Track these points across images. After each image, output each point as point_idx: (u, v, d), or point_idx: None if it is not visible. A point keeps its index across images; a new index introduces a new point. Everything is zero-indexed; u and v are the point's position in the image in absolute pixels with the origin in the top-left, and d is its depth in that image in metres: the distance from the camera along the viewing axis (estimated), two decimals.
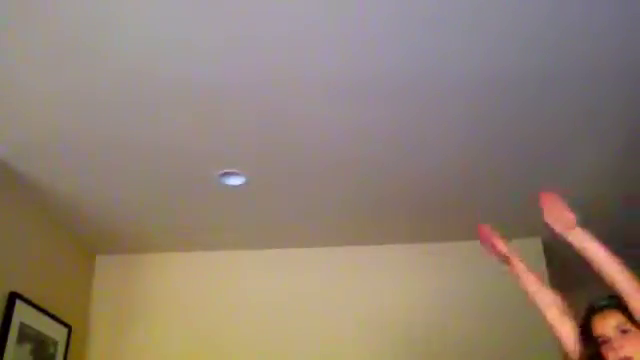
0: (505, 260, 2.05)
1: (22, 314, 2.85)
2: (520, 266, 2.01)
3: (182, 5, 1.90)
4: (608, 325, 1.71)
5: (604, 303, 1.76)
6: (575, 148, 2.76)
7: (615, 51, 2.15)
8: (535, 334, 3.37)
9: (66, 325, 3.26)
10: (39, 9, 1.90)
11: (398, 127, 2.58)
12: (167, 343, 3.54)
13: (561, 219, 1.76)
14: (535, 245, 3.66)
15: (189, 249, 3.76)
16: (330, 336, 3.51)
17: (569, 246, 1.76)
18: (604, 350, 1.71)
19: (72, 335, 3.31)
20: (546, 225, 1.78)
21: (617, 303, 1.74)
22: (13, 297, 2.79)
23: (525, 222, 3.50)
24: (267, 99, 2.38)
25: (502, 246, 2.05)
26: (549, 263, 3.61)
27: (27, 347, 2.89)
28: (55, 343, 3.15)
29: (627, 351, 1.65)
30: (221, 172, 2.90)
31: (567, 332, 1.85)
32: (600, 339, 1.72)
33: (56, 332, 3.16)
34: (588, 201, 3.26)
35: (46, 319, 3.07)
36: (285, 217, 3.39)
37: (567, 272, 3.76)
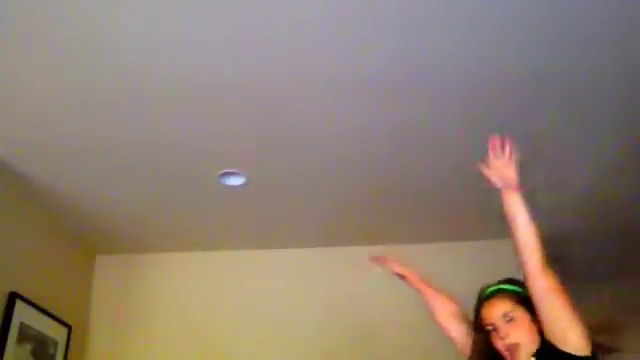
0: (400, 277, 2.26)
1: (22, 314, 2.85)
2: (415, 279, 2.24)
3: (182, 4, 1.90)
4: (495, 314, 1.73)
5: (491, 290, 1.80)
6: (574, 148, 2.76)
7: (614, 51, 2.15)
8: None
9: (66, 325, 3.26)
10: (39, 9, 1.90)
11: (398, 126, 2.58)
12: (167, 343, 3.54)
13: (504, 175, 1.72)
14: None
15: (189, 249, 3.76)
16: (331, 335, 3.50)
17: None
18: (493, 339, 1.73)
19: (72, 335, 3.31)
20: (483, 174, 1.73)
21: (504, 289, 1.78)
22: (13, 297, 2.79)
23: None
24: (267, 99, 2.38)
25: (396, 266, 2.26)
26: (548, 263, 3.61)
27: (27, 347, 2.90)
28: (55, 343, 3.15)
29: (513, 338, 1.68)
30: (221, 172, 2.90)
31: (454, 330, 1.99)
32: (488, 327, 1.74)
33: (56, 332, 3.16)
34: (587, 201, 3.27)
35: (46, 319, 3.07)
36: (285, 217, 3.39)
37: (567, 272, 3.75)
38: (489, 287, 1.83)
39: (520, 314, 1.70)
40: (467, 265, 3.62)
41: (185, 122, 2.51)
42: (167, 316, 3.62)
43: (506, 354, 1.69)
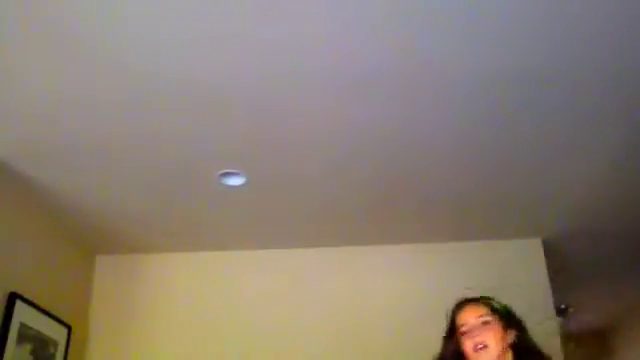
0: None
1: (22, 314, 2.84)
2: None
3: (182, 4, 1.90)
4: (470, 315, 1.79)
5: (470, 298, 1.86)
6: (574, 148, 2.76)
7: (614, 51, 2.15)
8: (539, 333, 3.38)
9: (66, 325, 3.26)
10: (39, 9, 1.90)
11: (398, 126, 2.58)
12: (167, 343, 3.54)
13: None
14: (535, 245, 3.66)
15: (189, 249, 3.76)
16: (330, 335, 3.51)
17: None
18: (464, 340, 1.76)
19: (72, 335, 3.30)
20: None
21: (483, 298, 1.84)
22: (13, 297, 2.79)
23: (525, 222, 3.51)
24: (267, 99, 2.37)
25: None
26: (549, 263, 3.61)
27: (27, 347, 2.89)
28: (55, 343, 3.15)
29: (484, 338, 1.72)
30: (221, 172, 2.90)
31: None
32: (461, 329, 1.78)
33: (56, 332, 3.16)
34: (589, 202, 3.27)
35: (46, 319, 3.06)
36: (285, 217, 3.39)
37: (567, 272, 3.77)
38: (469, 296, 1.88)
39: (495, 322, 1.75)
40: (468, 265, 3.63)
41: (185, 122, 2.51)
42: (167, 316, 3.62)
43: (472, 354, 1.72)
